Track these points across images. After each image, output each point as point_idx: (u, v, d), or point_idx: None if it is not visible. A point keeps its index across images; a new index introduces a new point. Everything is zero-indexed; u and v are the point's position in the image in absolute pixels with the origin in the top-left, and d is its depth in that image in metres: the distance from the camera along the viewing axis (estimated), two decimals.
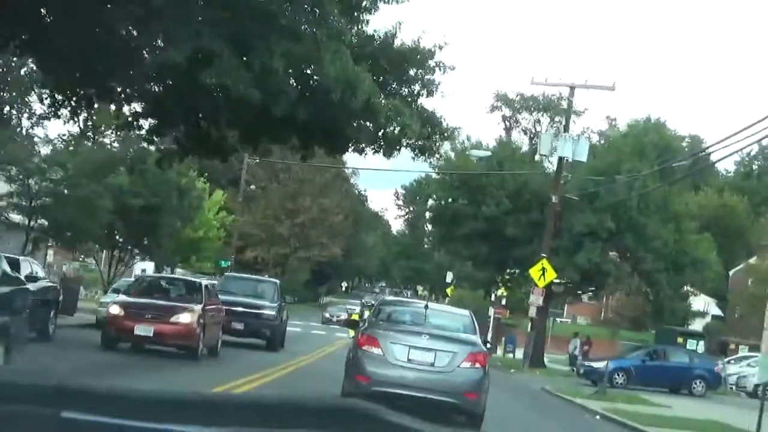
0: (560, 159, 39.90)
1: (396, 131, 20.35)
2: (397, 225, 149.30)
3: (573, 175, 42.24)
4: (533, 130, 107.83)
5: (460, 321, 15.87)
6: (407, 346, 14.43)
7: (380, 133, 21.35)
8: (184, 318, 20.54)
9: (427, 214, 56.50)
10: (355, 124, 20.31)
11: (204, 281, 24.63)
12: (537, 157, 51.92)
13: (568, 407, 25.66)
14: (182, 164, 38.12)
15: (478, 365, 14.54)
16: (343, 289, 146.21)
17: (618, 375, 34.51)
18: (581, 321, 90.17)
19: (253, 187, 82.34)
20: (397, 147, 21.55)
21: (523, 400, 25.82)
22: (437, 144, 21.85)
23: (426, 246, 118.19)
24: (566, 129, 41.82)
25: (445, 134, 21.63)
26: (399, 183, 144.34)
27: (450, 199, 46.56)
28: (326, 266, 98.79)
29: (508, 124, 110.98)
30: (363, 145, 21.66)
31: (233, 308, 26.51)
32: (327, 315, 72.36)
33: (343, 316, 69.32)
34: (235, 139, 24.42)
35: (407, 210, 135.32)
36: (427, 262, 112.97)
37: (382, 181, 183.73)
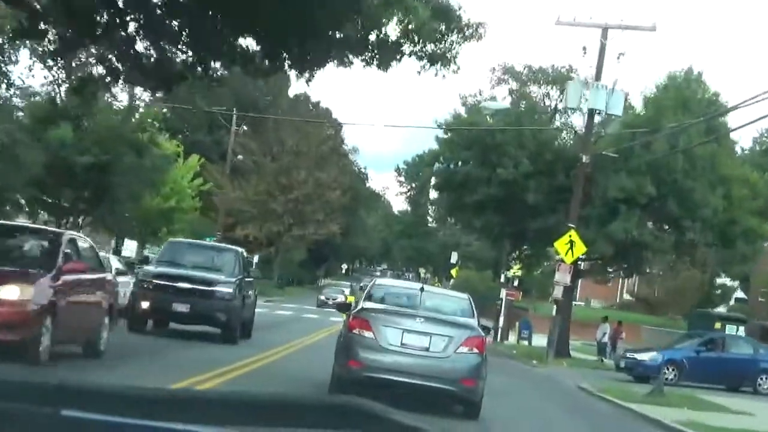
0: (591, 112, 33.65)
1: (394, 26, 14.00)
2: (398, 205, 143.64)
3: (606, 132, 35.92)
4: (542, 104, 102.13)
5: (457, 304, 15.03)
6: (401, 330, 13.60)
7: (373, 37, 14.97)
8: (9, 293, 12.23)
9: (433, 180, 49.65)
10: (333, 16, 13.84)
11: (69, 234, 15.87)
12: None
13: (621, 416, 19.74)
14: (139, 113, 31.82)
15: (475, 350, 13.77)
16: (343, 271, 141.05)
17: (668, 369, 28.06)
18: (596, 304, 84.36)
19: (240, 157, 76.75)
20: (397, 55, 15.11)
21: (559, 405, 20.28)
22: (454, 49, 15.14)
23: (429, 224, 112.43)
24: (598, 77, 35.16)
25: (465, 32, 14.96)
26: (401, 160, 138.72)
27: (459, 162, 40.05)
28: (324, 246, 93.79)
29: (515, 97, 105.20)
30: (347, 51, 15.11)
31: (176, 284, 20.06)
32: (322, 297, 67.86)
33: (340, 298, 65.15)
34: (180, 62, 18.14)
35: (409, 187, 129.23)
36: (431, 241, 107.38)
37: (383, 161, 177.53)
